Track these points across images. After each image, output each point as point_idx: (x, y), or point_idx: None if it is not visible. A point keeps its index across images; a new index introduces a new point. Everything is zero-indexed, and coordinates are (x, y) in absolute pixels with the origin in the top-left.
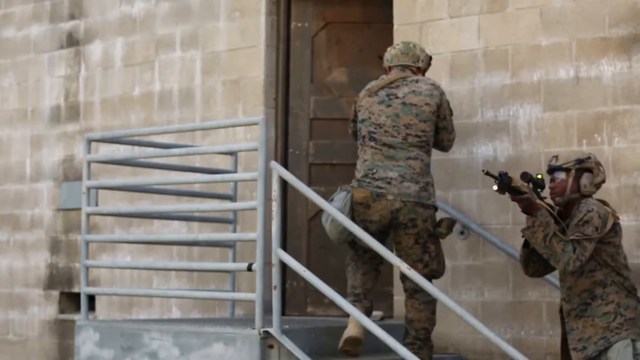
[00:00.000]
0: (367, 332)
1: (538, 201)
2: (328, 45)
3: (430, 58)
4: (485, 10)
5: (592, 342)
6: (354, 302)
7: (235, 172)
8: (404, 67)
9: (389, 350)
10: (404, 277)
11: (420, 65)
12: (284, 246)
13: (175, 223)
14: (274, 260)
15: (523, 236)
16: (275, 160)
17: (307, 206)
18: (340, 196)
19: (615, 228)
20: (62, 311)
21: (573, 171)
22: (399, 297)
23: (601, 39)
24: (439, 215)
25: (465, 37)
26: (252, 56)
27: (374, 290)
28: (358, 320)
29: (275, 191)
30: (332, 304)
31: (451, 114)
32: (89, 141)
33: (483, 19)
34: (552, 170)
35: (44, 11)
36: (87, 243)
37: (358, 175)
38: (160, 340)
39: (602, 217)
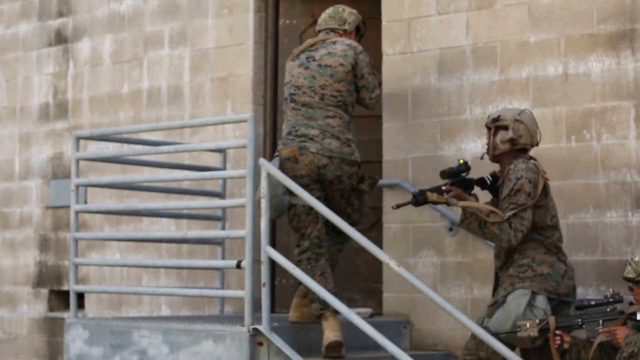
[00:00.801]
0: (355, 329)
1: (461, 203)
2: None
3: (364, 23)
4: (474, 6)
5: (503, 288)
6: (321, 311)
7: (224, 169)
8: (330, 30)
9: (377, 347)
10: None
11: (346, 28)
12: (273, 243)
13: (164, 220)
14: (263, 258)
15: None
16: (264, 157)
17: None
18: (272, 162)
19: (546, 189)
20: (51, 309)
21: (492, 129)
22: (388, 294)
23: (589, 35)
24: None
25: (453, 33)
26: (240, 53)
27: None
28: (336, 322)
29: (264, 188)
30: None
31: (371, 73)
32: (77, 139)
33: (471, 15)
34: None
35: (32, 9)
36: (76, 241)
37: (283, 134)
38: (149, 338)
39: (532, 182)
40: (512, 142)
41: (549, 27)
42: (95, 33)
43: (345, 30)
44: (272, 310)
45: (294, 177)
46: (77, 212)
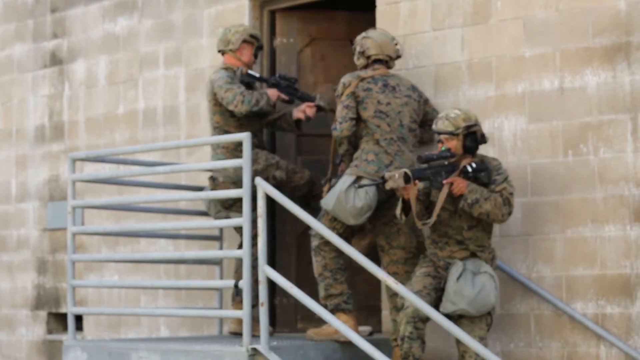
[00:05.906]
0: (354, 348)
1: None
2: (313, 61)
3: (251, 35)
4: (469, 22)
5: None
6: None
7: None
8: (221, 53)
9: None
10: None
11: (231, 47)
12: (273, 263)
13: (162, 241)
14: (261, 277)
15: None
16: None
17: (296, 222)
18: None
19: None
20: (49, 332)
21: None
22: (388, 312)
23: (585, 49)
24: None
25: (448, 49)
26: None
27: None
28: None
29: (261, 208)
30: (322, 319)
31: (228, 89)
32: (73, 160)
33: (466, 31)
34: None
35: (27, 30)
36: (74, 263)
37: None
38: (148, 359)
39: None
40: (363, 55)
41: (545, 42)
42: (90, 54)
43: (231, 50)
44: (274, 329)
45: None
46: (74, 234)
